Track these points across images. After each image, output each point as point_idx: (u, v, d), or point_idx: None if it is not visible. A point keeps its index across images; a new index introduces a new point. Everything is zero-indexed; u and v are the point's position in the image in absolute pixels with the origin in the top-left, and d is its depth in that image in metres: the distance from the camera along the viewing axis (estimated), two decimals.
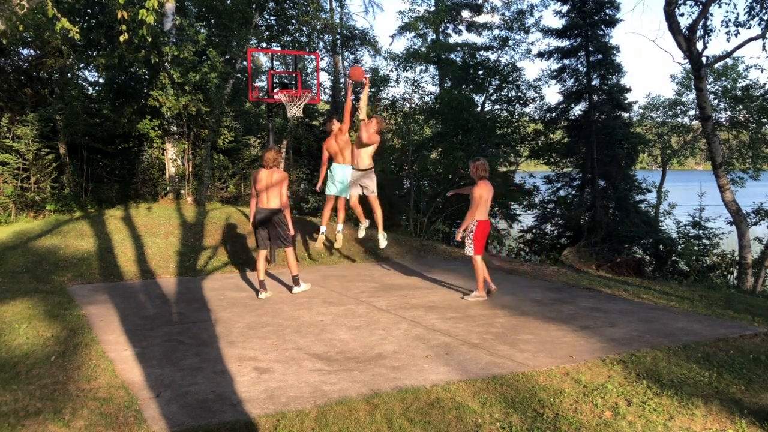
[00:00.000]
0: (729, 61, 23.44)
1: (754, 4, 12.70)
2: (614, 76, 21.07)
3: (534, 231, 21.73)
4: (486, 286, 7.10)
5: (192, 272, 8.53)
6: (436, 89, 22.47)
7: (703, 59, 12.94)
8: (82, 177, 15.01)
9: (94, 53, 13.55)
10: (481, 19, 23.92)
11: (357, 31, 23.14)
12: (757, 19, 12.79)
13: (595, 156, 20.28)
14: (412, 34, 21.68)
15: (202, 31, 13.64)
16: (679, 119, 27.80)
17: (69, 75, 14.66)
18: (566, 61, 21.71)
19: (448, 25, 23.58)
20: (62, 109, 13.98)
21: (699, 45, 12.71)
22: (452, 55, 21.17)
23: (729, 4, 17.49)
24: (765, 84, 23.09)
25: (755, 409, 3.83)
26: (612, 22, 20.78)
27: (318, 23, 17.33)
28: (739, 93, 22.20)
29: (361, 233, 8.92)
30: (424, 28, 21.51)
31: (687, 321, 5.98)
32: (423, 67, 21.04)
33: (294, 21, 15.87)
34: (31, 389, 3.96)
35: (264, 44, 15.46)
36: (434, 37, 22.37)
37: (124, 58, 11.97)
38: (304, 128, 22.08)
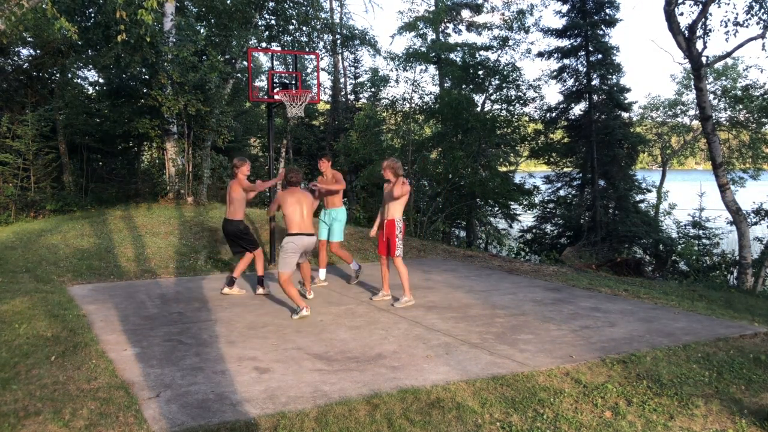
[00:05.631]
0: (729, 60, 23.48)
1: (754, 4, 12.69)
2: (614, 76, 21.06)
3: (534, 231, 21.72)
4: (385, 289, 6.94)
5: (192, 272, 8.52)
6: (436, 89, 22.48)
7: (703, 59, 12.94)
8: (82, 177, 15.01)
9: (92, 53, 13.56)
10: (481, 19, 23.98)
11: (357, 31, 23.18)
12: (756, 18, 12.78)
13: (595, 156, 20.27)
14: (412, 33, 21.70)
15: (202, 31, 13.64)
16: (679, 119, 27.84)
17: (69, 75, 14.67)
18: (566, 61, 21.69)
19: (448, 25, 23.58)
20: (62, 109, 13.98)
21: (699, 45, 12.71)
22: (452, 55, 21.17)
23: (729, 4, 17.49)
24: (765, 84, 23.10)
25: (755, 409, 3.83)
26: (612, 22, 20.78)
27: (318, 23, 17.34)
28: (739, 93, 22.21)
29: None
30: (424, 27, 21.52)
31: (687, 321, 5.98)
32: (423, 67, 21.06)
33: (294, 21, 15.87)
34: (31, 389, 3.96)
35: (264, 44, 15.47)
36: (434, 37, 22.37)
37: (121, 59, 11.97)
38: (304, 128, 22.11)
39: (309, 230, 6.33)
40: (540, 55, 22.05)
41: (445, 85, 21.74)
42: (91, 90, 16.46)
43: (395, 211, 6.73)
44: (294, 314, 6.10)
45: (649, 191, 22.51)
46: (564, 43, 21.58)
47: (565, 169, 22.49)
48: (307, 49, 16.50)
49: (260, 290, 7.23)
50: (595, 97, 21.09)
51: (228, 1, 14.10)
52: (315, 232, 6.50)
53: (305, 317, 6.06)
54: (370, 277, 8.33)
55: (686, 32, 12.62)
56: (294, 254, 6.25)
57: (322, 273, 7.87)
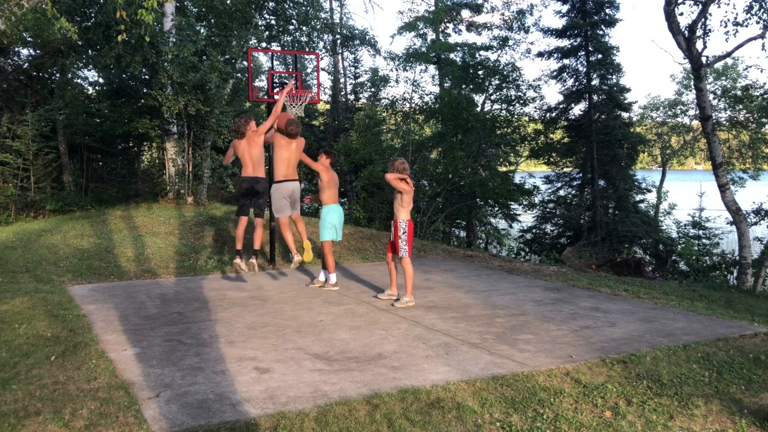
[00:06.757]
0: (729, 60, 23.48)
1: (754, 4, 12.70)
2: (614, 76, 21.08)
3: (534, 231, 21.73)
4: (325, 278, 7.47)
5: (192, 272, 8.52)
6: (436, 89, 22.48)
7: (703, 59, 12.94)
8: (82, 177, 15.02)
9: (93, 53, 13.56)
10: (481, 19, 23.94)
11: (357, 31, 23.19)
12: (755, 18, 12.78)
13: (595, 156, 20.28)
14: (412, 33, 21.72)
15: (202, 31, 13.63)
16: (679, 119, 27.83)
17: (69, 75, 14.67)
18: (566, 61, 21.72)
19: (448, 25, 23.58)
20: (62, 109, 13.99)
21: (699, 45, 12.72)
22: (452, 55, 21.18)
23: (728, 4, 17.48)
24: (765, 84, 23.10)
25: (755, 409, 3.83)
26: (612, 22, 20.80)
27: (318, 23, 17.34)
28: (739, 93, 22.21)
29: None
30: (424, 27, 21.53)
31: (687, 321, 5.98)
32: (423, 67, 21.06)
33: (294, 21, 15.87)
34: (31, 389, 3.96)
35: (264, 44, 15.48)
36: (434, 37, 22.37)
37: (122, 59, 11.97)
38: (304, 128, 22.11)
39: (289, 177, 7.31)
40: (540, 55, 22.07)
41: (445, 85, 21.73)
42: (91, 90, 16.46)
43: (397, 211, 6.72)
44: (292, 261, 7.44)
45: (649, 191, 22.53)
46: (564, 43, 21.60)
47: (565, 169, 22.52)
48: (307, 49, 16.50)
49: (253, 259, 7.35)
50: (595, 97, 21.11)
51: (228, 1, 14.11)
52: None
53: (298, 263, 7.47)
54: (369, 277, 8.34)
55: (686, 32, 12.62)
56: (282, 199, 7.30)
57: (330, 276, 7.77)
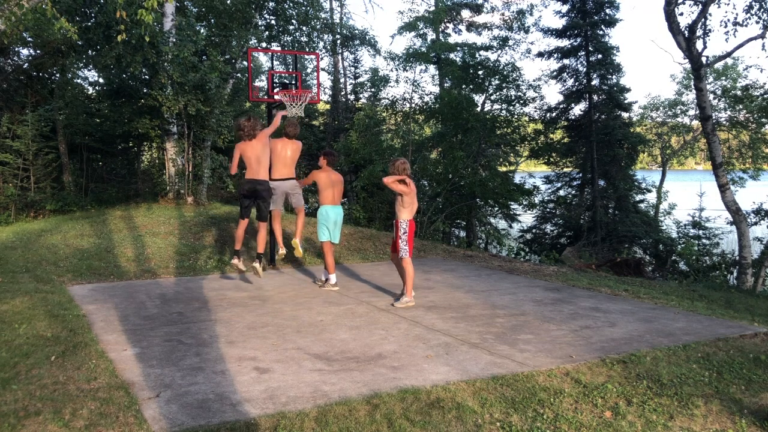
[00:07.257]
0: (729, 60, 23.49)
1: (754, 3, 12.69)
2: (614, 76, 21.08)
3: (534, 231, 21.73)
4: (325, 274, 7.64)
5: (192, 272, 8.52)
6: (436, 89, 22.49)
7: (703, 59, 12.95)
8: (82, 177, 15.02)
9: (93, 53, 13.57)
10: (481, 19, 23.97)
11: (357, 31, 23.21)
12: (755, 18, 12.78)
13: (595, 156, 20.27)
14: (412, 33, 21.73)
15: (202, 31, 13.64)
16: (679, 119, 27.85)
17: (69, 75, 14.69)
18: (566, 61, 21.72)
19: (448, 25, 23.60)
20: (62, 109, 13.99)
21: (699, 45, 12.72)
22: (452, 55, 21.19)
23: (728, 4, 17.48)
24: (765, 84, 23.10)
25: (755, 409, 3.83)
26: (612, 22, 20.80)
27: (318, 23, 17.35)
28: (739, 93, 22.21)
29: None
30: (424, 27, 21.55)
31: (687, 321, 5.98)
32: (423, 67, 21.07)
33: (294, 21, 15.88)
34: (31, 389, 3.96)
35: (264, 44, 15.48)
36: (434, 37, 22.39)
37: (122, 59, 11.97)
38: (304, 128, 22.11)
39: (284, 176, 7.68)
40: (540, 55, 22.07)
41: (445, 85, 21.74)
42: (91, 90, 16.47)
43: (399, 211, 6.71)
44: (276, 253, 7.98)
45: (649, 191, 22.53)
46: (564, 43, 21.60)
47: (565, 169, 22.52)
48: (307, 49, 16.51)
49: (256, 263, 7.33)
50: (595, 97, 21.11)
51: (228, 1, 14.11)
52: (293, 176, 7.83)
53: (282, 255, 7.91)
54: (369, 277, 8.34)
55: (686, 32, 12.62)
56: (279, 198, 7.70)
57: (329, 276, 7.77)
